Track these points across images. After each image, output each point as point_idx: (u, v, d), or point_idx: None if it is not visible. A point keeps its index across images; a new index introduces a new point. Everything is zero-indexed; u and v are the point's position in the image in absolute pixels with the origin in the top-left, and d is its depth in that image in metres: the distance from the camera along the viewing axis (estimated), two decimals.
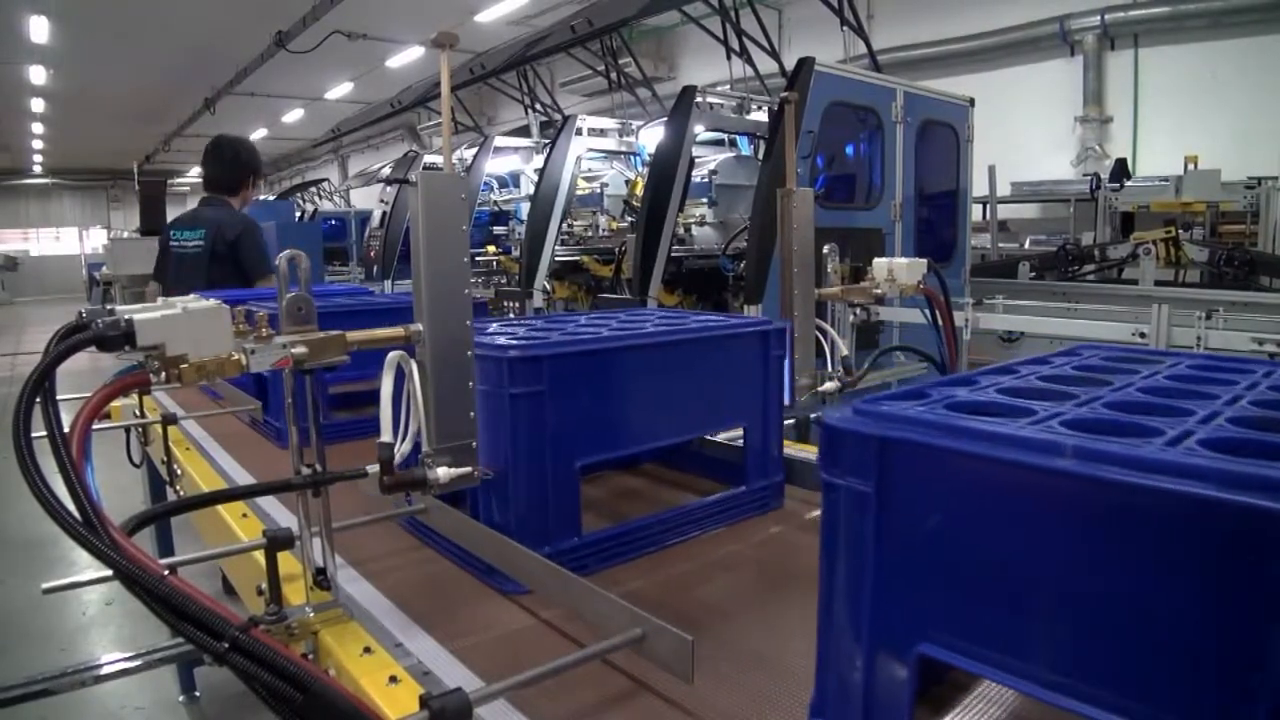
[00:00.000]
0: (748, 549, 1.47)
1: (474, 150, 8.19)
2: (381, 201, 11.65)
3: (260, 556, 1.08)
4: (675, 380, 1.46)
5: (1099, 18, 8.29)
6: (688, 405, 1.50)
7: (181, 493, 1.97)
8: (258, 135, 20.11)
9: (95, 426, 0.89)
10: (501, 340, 1.29)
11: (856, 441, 0.73)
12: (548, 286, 6.38)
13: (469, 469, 1.15)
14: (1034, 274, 6.54)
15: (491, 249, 8.88)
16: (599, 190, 7.46)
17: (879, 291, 1.84)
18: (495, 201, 9.34)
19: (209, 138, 3.97)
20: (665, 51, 12.70)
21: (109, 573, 0.81)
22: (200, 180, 4.15)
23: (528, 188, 8.28)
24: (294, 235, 6.80)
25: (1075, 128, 8.74)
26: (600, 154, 7.44)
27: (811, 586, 0.79)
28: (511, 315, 5.96)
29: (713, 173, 6.28)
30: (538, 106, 10.84)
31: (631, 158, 7.50)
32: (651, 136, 6.93)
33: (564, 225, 6.77)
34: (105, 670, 0.98)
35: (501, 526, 1.25)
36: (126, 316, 0.90)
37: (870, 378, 3.88)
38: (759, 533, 1.54)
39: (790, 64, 4.86)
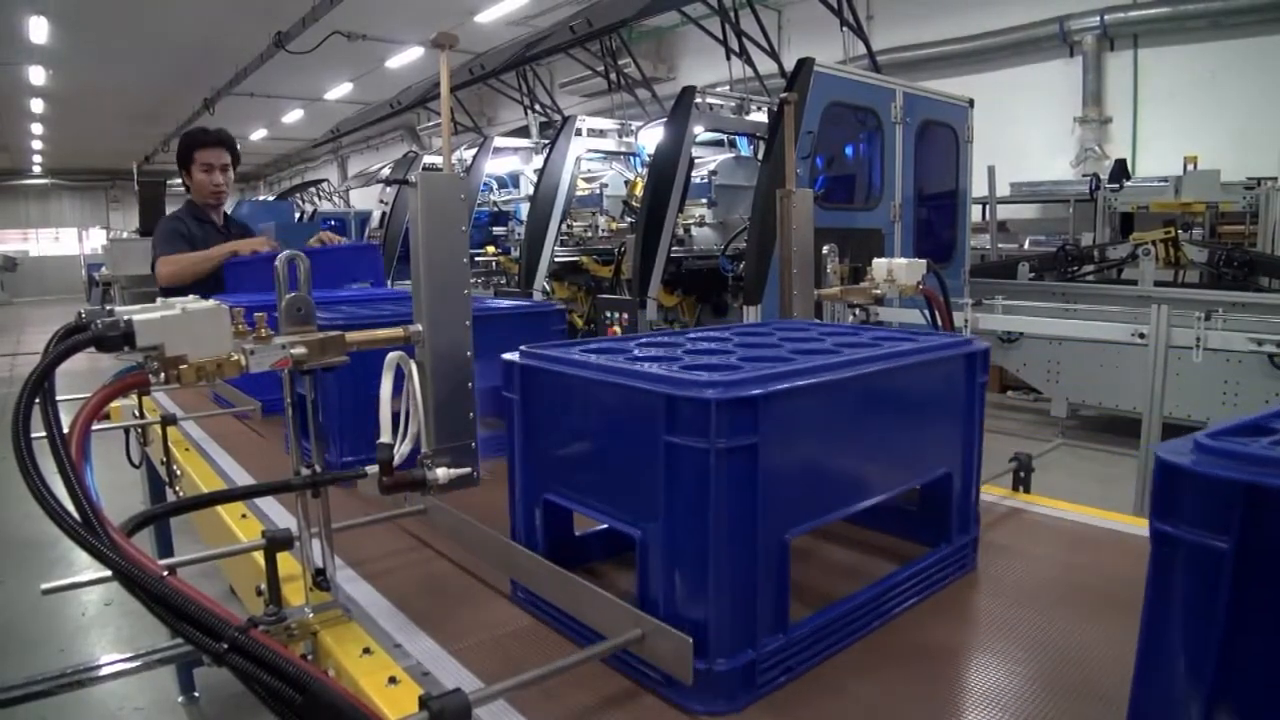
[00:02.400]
0: (985, 634, 1.14)
1: (474, 151, 8.19)
2: (381, 202, 11.66)
3: (260, 557, 1.08)
4: (890, 418, 1.17)
5: (1099, 18, 8.29)
6: (901, 449, 1.20)
7: (181, 493, 1.97)
8: (258, 135, 20.14)
9: (95, 427, 0.89)
10: (666, 370, 0.99)
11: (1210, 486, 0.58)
12: (547, 287, 6.38)
13: (468, 469, 1.15)
14: (1033, 274, 6.54)
15: (491, 249, 8.88)
16: (598, 191, 7.46)
17: (878, 292, 1.84)
18: (495, 202, 9.34)
19: None
20: (665, 52, 12.70)
21: (108, 573, 0.81)
22: None
23: (527, 188, 8.28)
24: (293, 236, 6.79)
25: (1075, 128, 8.74)
26: (600, 154, 7.45)
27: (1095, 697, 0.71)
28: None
29: (712, 173, 6.28)
30: (537, 107, 10.85)
31: (631, 158, 7.50)
32: (651, 137, 6.93)
33: (563, 226, 6.77)
34: (104, 671, 0.98)
35: (691, 624, 0.93)
36: (126, 317, 0.90)
37: None
38: (975, 606, 1.22)
39: (790, 64, 4.87)
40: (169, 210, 9.14)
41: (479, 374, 1.84)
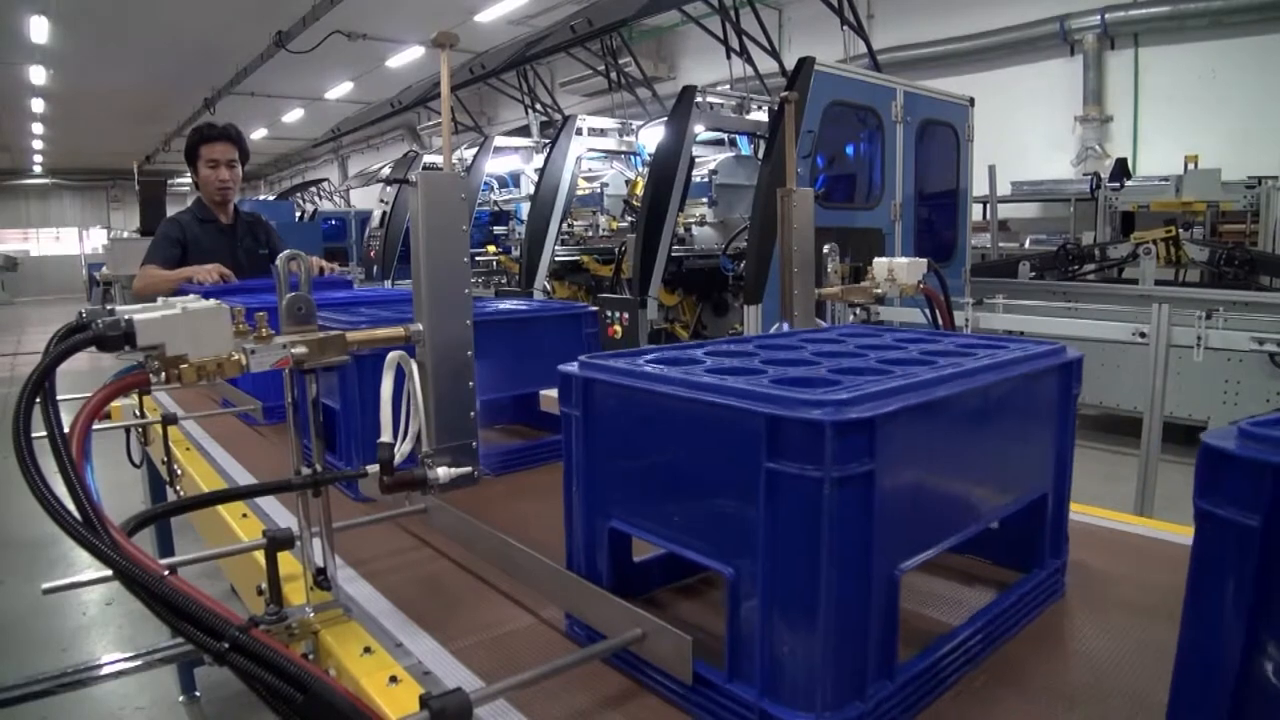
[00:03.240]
0: (1109, 673, 0.99)
1: (474, 150, 8.20)
2: (381, 201, 11.67)
3: (260, 556, 1.08)
4: (998, 435, 1.07)
5: (1099, 17, 8.29)
6: (1007, 468, 1.10)
7: (181, 493, 1.97)
8: (258, 135, 20.13)
9: (95, 426, 0.89)
10: (757, 385, 0.87)
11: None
12: (547, 286, 6.39)
13: (468, 468, 1.15)
14: (1034, 274, 6.54)
15: (491, 249, 8.89)
16: (599, 190, 7.47)
17: (879, 291, 1.84)
18: (495, 201, 9.35)
19: None
20: (665, 51, 12.70)
21: (109, 573, 0.81)
22: None
23: (528, 188, 8.29)
24: (294, 235, 6.81)
25: (1075, 127, 8.74)
26: (600, 154, 7.45)
27: None
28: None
29: (713, 173, 6.28)
30: (538, 106, 10.85)
31: (631, 158, 7.50)
32: (651, 136, 6.94)
33: (564, 225, 6.78)
34: (105, 670, 0.98)
35: (795, 674, 0.82)
36: (126, 317, 0.90)
37: None
38: (1080, 636, 1.09)
39: (790, 64, 4.87)
40: (169, 210, 9.16)
41: (506, 381, 1.80)
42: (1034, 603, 1.12)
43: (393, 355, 1.09)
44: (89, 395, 0.89)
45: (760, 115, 6.04)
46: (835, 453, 0.77)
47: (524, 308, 1.94)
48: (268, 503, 1.61)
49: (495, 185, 9.32)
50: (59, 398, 0.86)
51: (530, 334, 1.84)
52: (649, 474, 0.98)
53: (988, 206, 8.15)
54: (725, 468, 0.87)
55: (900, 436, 0.84)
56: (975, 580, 1.22)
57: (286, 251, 1.03)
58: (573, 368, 1.04)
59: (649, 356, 1.08)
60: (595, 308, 1.97)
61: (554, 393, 1.97)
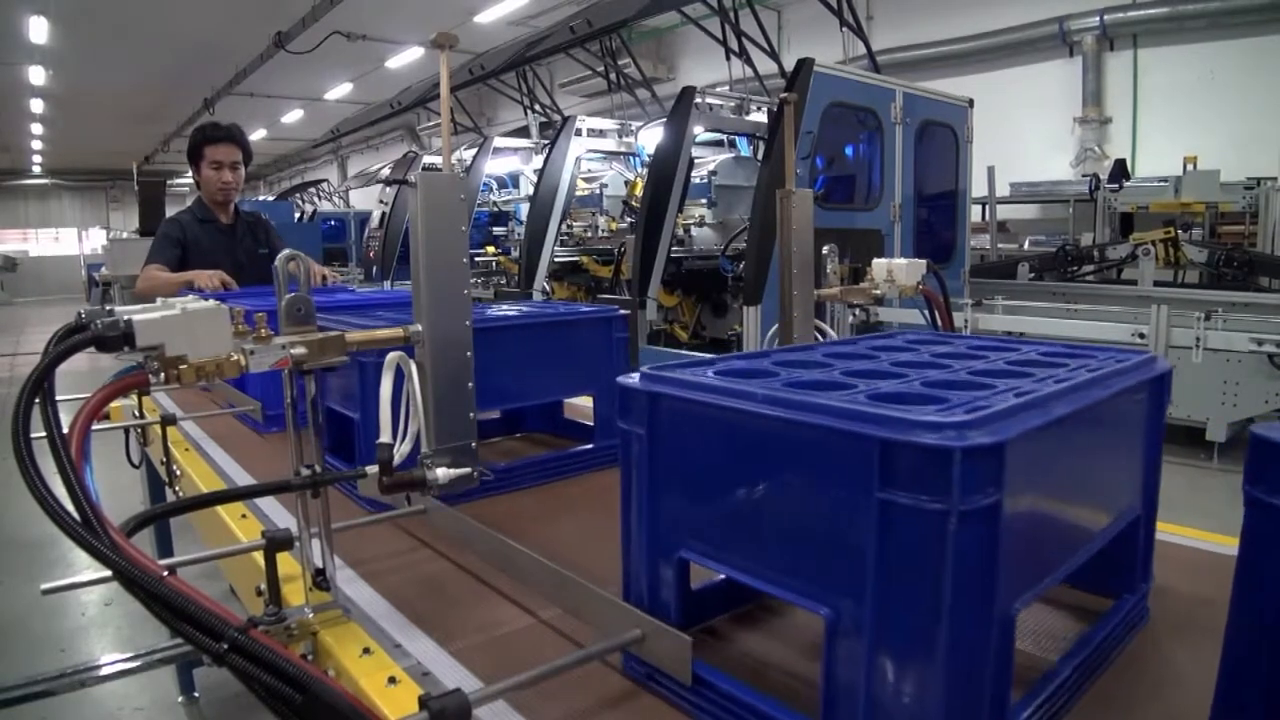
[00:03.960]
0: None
1: (474, 151, 8.20)
2: (381, 202, 11.67)
3: (259, 557, 1.08)
4: (1105, 455, 1.01)
5: (1098, 18, 8.30)
6: (1110, 490, 1.03)
7: (181, 493, 1.97)
8: (257, 135, 20.12)
9: (94, 427, 0.89)
10: (857, 403, 0.79)
11: None
12: (547, 287, 6.39)
13: (468, 469, 1.15)
14: (1033, 275, 6.55)
15: (491, 249, 8.89)
16: (598, 191, 7.47)
17: (878, 292, 1.84)
18: (495, 202, 9.36)
19: None
20: (665, 52, 12.71)
21: (108, 573, 0.81)
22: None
23: (527, 188, 8.30)
24: (293, 236, 6.81)
25: (1074, 128, 8.75)
26: (599, 155, 7.46)
27: None
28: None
29: (712, 173, 6.28)
30: (537, 107, 10.85)
31: (631, 158, 7.51)
32: (651, 137, 6.94)
33: (563, 226, 6.78)
34: (105, 671, 0.98)
35: (901, 715, 0.75)
36: (126, 317, 0.90)
37: None
38: (1172, 666, 1.03)
39: (789, 65, 4.87)
40: (169, 210, 9.15)
41: (534, 388, 1.76)
42: (1125, 630, 1.04)
43: (392, 356, 1.09)
44: (88, 395, 0.89)
45: (759, 116, 6.05)
46: (963, 482, 0.68)
47: (551, 311, 1.86)
48: (267, 503, 1.61)
49: (495, 186, 9.33)
50: (58, 398, 0.86)
51: (558, 338, 1.78)
52: (727, 501, 0.88)
53: (987, 207, 8.15)
54: (824, 496, 0.77)
55: (1023, 461, 0.74)
56: (1059, 607, 1.14)
57: (286, 252, 1.03)
58: (634, 380, 0.95)
59: (716, 367, 0.99)
60: (626, 311, 1.92)
61: (586, 401, 1.90)
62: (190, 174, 3.45)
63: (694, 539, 0.92)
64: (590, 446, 1.83)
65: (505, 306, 2.02)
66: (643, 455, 0.94)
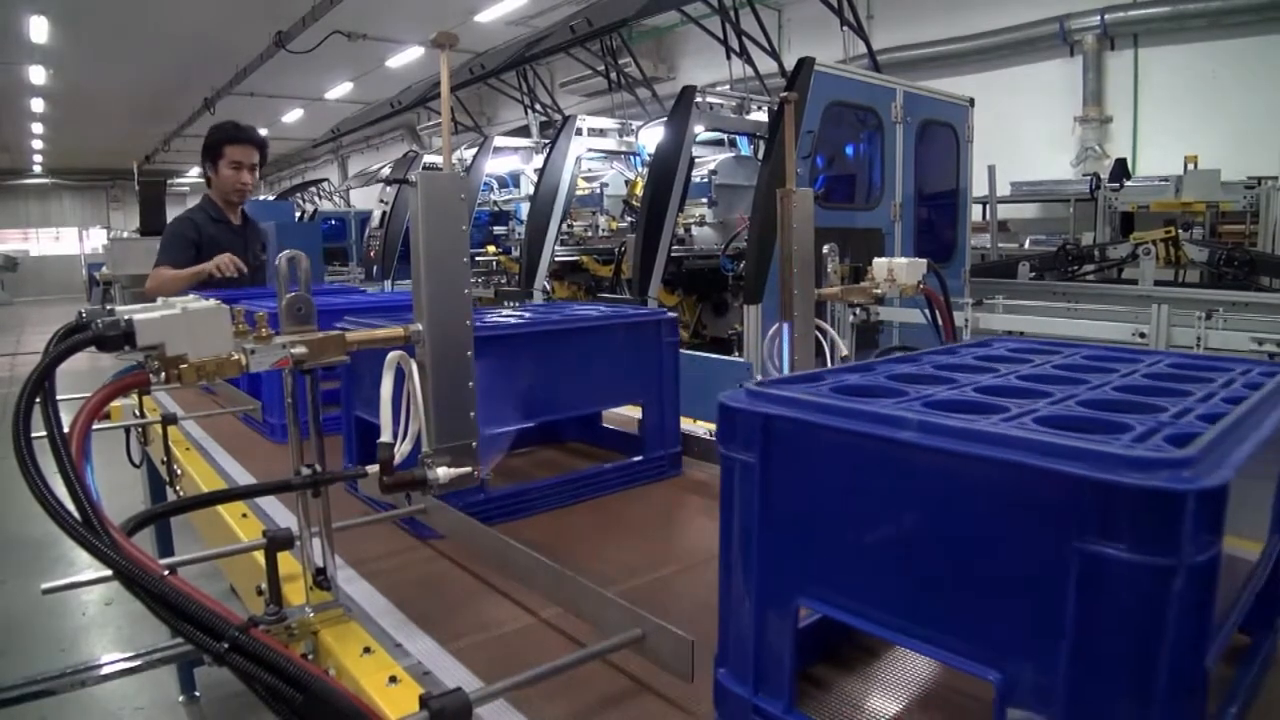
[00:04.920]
0: None
1: (474, 150, 8.20)
2: (381, 201, 11.66)
3: (260, 556, 1.08)
4: (1269, 484, 0.89)
5: (1099, 18, 8.29)
6: (1273, 515, 0.91)
7: (181, 493, 1.97)
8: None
9: (95, 426, 0.89)
10: (1039, 432, 0.67)
11: None
12: (547, 286, 6.39)
13: (468, 469, 1.15)
14: (1034, 274, 6.54)
15: (491, 249, 8.89)
16: (599, 190, 7.47)
17: (879, 291, 1.84)
18: (495, 201, 9.35)
19: None
20: (665, 52, 12.70)
21: (109, 573, 0.81)
22: (200, 180, 4.08)
23: (527, 188, 8.29)
24: (293, 235, 6.79)
25: (1075, 128, 8.74)
26: (600, 154, 7.45)
27: None
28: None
29: (713, 173, 6.28)
30: (537, 106, 10.85)
31: (631, 158, 7.50)
32: (651, 136, 6.93)
33: (564, 225, 6.77)
34: (105, 670, 0.98)
35: None
36: (126, 317, 0.90)
37: None
38: None
39: (790, 64, 4.87)
40: (169, 210, 9.14)
41: (576, 397, 1.70)
42: (1263, 671, 0.93)
43: (392, 355, 1.09)
44: (89, 395, 0.89)
45: (760, 116, 6.04)
46: (1194, 532, 0.57)
47: (594, 313, 1.76)
48: (267, 503, 1.61)
49: (495, 185, 9.32)
50: (59, 398, 0.86)
51: (604, 343, 1.69)
52: (863, 543, 0.76)
53: (987, 207, 8.15)
54: (999, 543, 0.66)
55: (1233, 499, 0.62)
56: None
57: (286, 251, 1.03)
58: (740, 398, 0.83)
59: (826, 383, 0.89)
60: (675, 314, 1.84)
61: (634, 411, 1.81)
62: (198, 172, 3.50)
63: (816, 585, 0.79)
64: (639, 459, 1.76)
65: (546, 309, 1.93)
66: (753, 487, 0.81)
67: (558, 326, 1.64)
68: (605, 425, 2.04)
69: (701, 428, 2.01)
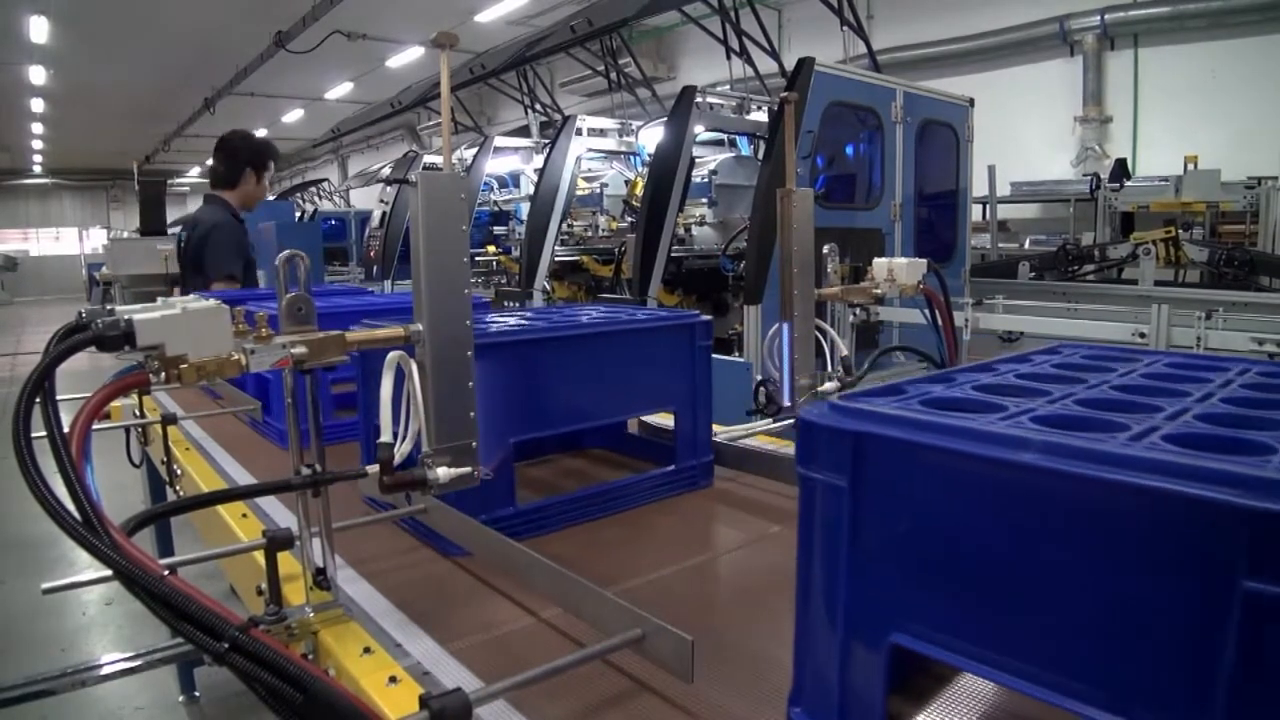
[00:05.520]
0: None
1: (474, 150, 8.19)
2: (381, 201, 11.66)
3: (260, 557, 1.08)
4: None
5: (1099, 18, 8.29)
6: None
7: (181, 493, 1.97)
8: (258, 135, 20.10)
9: (95, 426, 0.89)
10: (1175, 454, 0.62)
11: None
12: (548, 286, 6.39)
13: (469, 469, 1.15)
14: (1034, 274, 6.54)
15: (491, 249, 8.89)
16: (599, 190, 7.47)
17: (879, 292, 1.84)
18: (495, 201, 9.35)
19: (209, 138, 4.03)
20: (665, 52, 12.70)
21: (109, 573, 0.81)
22: (200, 180, 4.18)
23: (528, 188, 8.29)
24: (294, 235, 6.79)
25: (1075, 128, 8.74)
26: (600, 154, 7.45)
27: None
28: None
29: (713, 173, 6.28)
30: (538, 107, 10.85)
31: (631, 158, 7.50)
32: (651, 136, 6.93)
33: (564, 225, 6.77)
34: (105, 670, 0.98)
35: None
36: (126, 317, 0.90)
37: (870, 378, 3.86)
38: None
39: (790, 64, 4.87)
40: (169, 211, 9.11)
41: (605, 404, 1.63)
42: None
43: (392, 355, 1.09)
44: (89, 395, 0.89)
45: (760, 116, 6.04)
46: None
47: (623, 316, 1.70)
48: (267, 503, 1.61)
49: (495, 185, 9.32)
50: (59, 398, 0.86)
51: (635, 347, 1.64)
52: (972, 575, 0.68)
53: (987, 207, 8.15)
54: (1140, 580, 0.59)
55: None
56: None
57: (286, 251, 1.04)
58: (822, 414, 0.77)
59: (914, 396, 0.82)
60: (709, 317, 1.75)
61: (665, 420, 1.76)
62: (198, 172, 3.62)
63: (914, 620, 0.71)
64: (672, 469, 1.70)
65: (571, 311, 1.86)
66: (841, 512, 0.74)
67: (589, 330, 1.58)
68: (630, 431, 1.99)
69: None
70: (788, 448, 1.91)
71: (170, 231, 8.38)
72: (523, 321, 1.63)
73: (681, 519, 1.61)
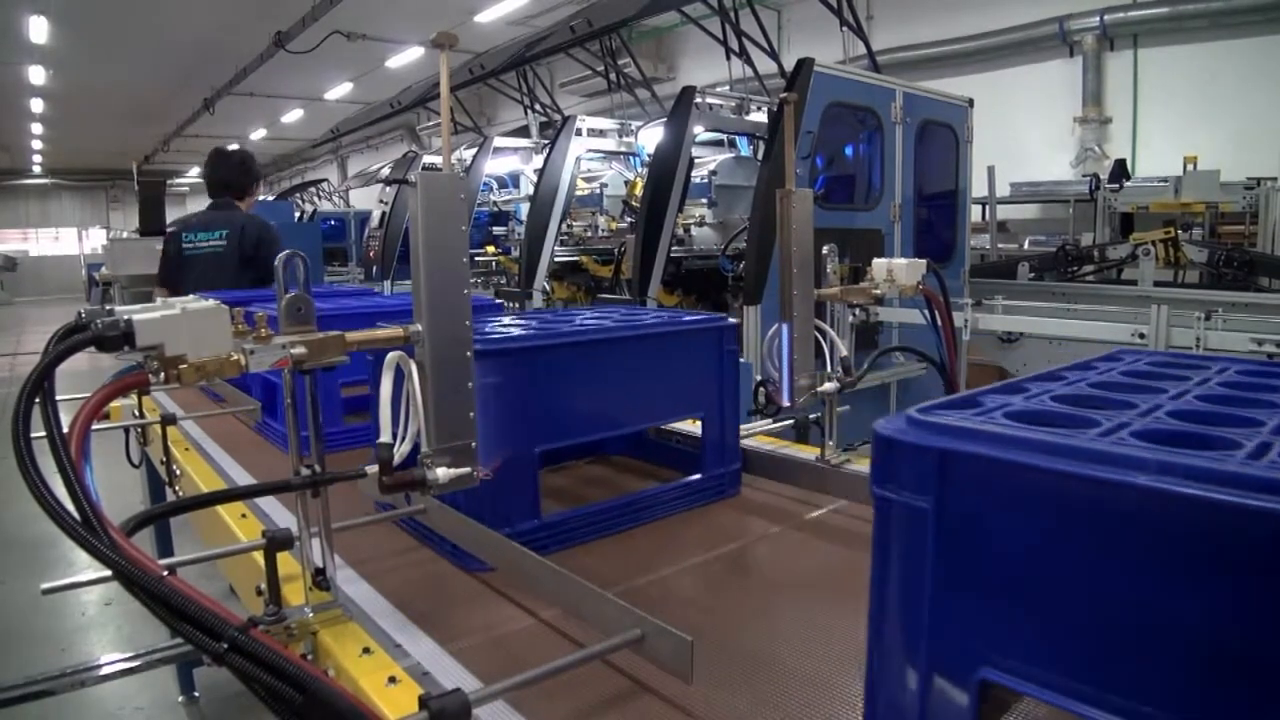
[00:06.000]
0: None
1: (473, 150, 8.19)
2: (381, 202, 11.66)
3: (259, 557, 1.08)
4: None
5: (1098, 18, 8.29)
6: None
7: (181, 493, 1.97)
8: (257, 135, 20.13)
9: (95, 427, 0.89)
10: None
11: None
12: (547, 287, 6.39)
13: (468, 469, 1.15)
14: (1033, 274, 6.54)
15: (491, 249, 8.88)
16: (598, 191, 7.46)
17: (878, 292, 1.84)
18: (495, 202, 9.34)
19: (209, 138, 4.09)
20: (665, 52, 12.70)
21: (108, 573, 0.81)
22: (200, 180, 4.24)
23: (527, 188, 8.29)
24: (293, 235, 6.78)
25: (1074, 128, 8.74)
26: (599, 154, 7.45)
27: None
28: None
29: (712, 173, 6.27)
30: (537, 107, 10.85)
31: (631, 158, 7.50)
32: (651, 137, 6.93)
33: (563, 226, 6.77)
34: (105, 670, 0.98)
35: None
36: (126, 317, 0.90)
37: (870, 378, 3.87)
38: None
39: (789, 64, 4.87)
40: (169, 211, 9.13)
41: (630, 411, 1.58)
42: None
43: (392, 356, 1.09)
44: (88, 395, 0.89)
45: (760, 116, 6.04)
46: None
47: (647, 319, 1.65)
48: (267, 503, 1.61)
49: (495, 186, 9.32)
50: (58, 398, 0.86)
51: (661, 352, 1.59)
52: (1078, 610, 0.62)
53: (987, 207, 8.15)
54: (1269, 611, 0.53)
55: None
56: None
57: (285, 251, 1.04)
58: (900, 428, 0.71)
59: (993, 408, 0.76)
60: (736, 321, 1.73)
61: (694, 427, 1.71)
62: (197, 173, 3.69)
63: (1006, 655, 0.65)
64: (698, 477, 1.66)
65: (593, 314, 1.81)
66: (924, 536, 0.68)
67: (616, 334, 1.54)
68: (649, 437, 1.94)
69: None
70: (797, 450, 1.91)
71: (170, 231, 8.35)
72: (546, 325, 1.58)
73: (713, 530, 1.55)
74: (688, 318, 1.71)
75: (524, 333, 1.47)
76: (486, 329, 1.52)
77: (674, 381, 1.63)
